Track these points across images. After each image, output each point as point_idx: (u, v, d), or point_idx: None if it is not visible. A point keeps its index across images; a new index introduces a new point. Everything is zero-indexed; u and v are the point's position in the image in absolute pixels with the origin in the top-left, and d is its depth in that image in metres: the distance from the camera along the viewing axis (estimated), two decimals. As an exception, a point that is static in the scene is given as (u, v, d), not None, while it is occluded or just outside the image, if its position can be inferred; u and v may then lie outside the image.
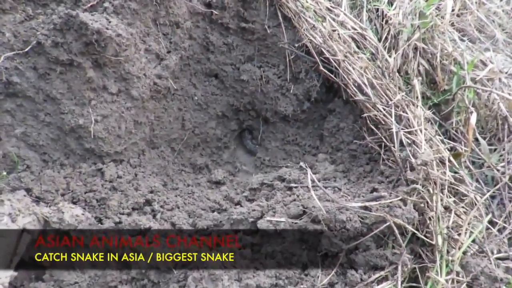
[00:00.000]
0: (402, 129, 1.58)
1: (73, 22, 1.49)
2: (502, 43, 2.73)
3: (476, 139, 1.97)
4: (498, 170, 1.87)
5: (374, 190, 1.56)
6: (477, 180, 1.84)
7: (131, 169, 1.79)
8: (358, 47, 1.96)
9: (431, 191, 1.38)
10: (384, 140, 1.66)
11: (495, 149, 2.03)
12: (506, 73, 2.13)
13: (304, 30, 1.86)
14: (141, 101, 1.78)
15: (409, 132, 1.57)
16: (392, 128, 1.56)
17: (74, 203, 1.60)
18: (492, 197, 1.88)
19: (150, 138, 1.93)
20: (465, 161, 1.82)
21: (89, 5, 1.59)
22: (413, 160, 1.41)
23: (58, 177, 1.62)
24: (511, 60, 2.75)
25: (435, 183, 1.32)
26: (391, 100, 1.69)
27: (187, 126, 2.04)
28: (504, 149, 2.02)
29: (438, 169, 1.43)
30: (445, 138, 1.99)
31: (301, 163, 1.63)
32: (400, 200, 1.37)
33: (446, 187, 1.41)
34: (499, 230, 1.64)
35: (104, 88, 1.67)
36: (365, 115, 1.70)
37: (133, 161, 1.82)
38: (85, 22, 1.48)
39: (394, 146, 1.53)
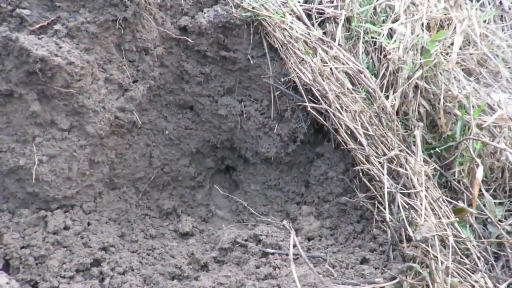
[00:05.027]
0: (400, 189, 1.35)
1: (12, 47, 1.25)
2: (506, 80, 2.54)
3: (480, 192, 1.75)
4: (504, 229, 1.65)
5: (365, 260, 1.32)
6: (479, 237, 1.62)
7: (84, 216, 1.53)
8: (353, 83, 1.74)
9: (433, 270, 1.15)
10: (378, 198, 1.42)
11: (500, 203, 1.81)
12: (515, 120, 1.91)
13: (291, 64, 1.63)
14: (99, 138, 1.53)
15: (408, 194, 1.34)
16: (387, 187, 1.33)
17: (7, 261, 1.34)
18: (496, 257, 1.65)
19: (110, 178, 1.67)
20: (470, 223, 1.60)
21: (37, 26, 1.34)
22: (410, 232, 1.18)
23: (-10, 228, 1.35)
24: (516, 99, 2.55)
25: (436, 270, 1.09)
26: (388, 151, 1.46)
27: (155, 164, 1.79)
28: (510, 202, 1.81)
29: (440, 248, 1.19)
30: (446, 190, 1.77)
31: (285, 222, 1.38)
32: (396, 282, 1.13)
33: (450, 269, 1.17)
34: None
35: (53, 124, 1.42)
36: (357, 168, 1.46)
37: (86, 206, 1.56)
38: (27, 48, 1.23)
39: (389, 209, 1.29)
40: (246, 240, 1.45)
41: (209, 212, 1.90)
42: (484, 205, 1.69)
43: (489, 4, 2.77)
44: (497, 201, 1.79)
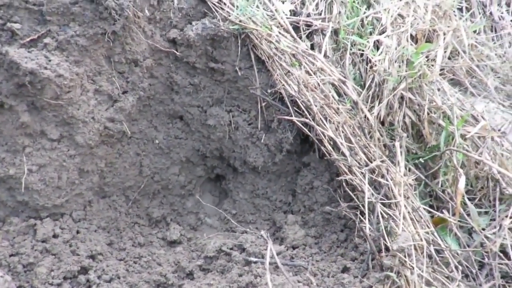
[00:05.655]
0: (381, 199, 1.38)
1: (2, 60, 1.29)
2: (495, 90, 2.58)
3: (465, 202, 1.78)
4: (487, 238, 1.68)
5: (346, 269, 1.35)
6: (464, 247, 1.64)
7: (73, 225, 1.57)
8: (339, 94, 1.77)
9: (408, 280, 1.18)
10: (360, 207, 1.45)
11: (485, 212, 1.84)
12: (499, 131, 1.95)
13: (277, 75, 1.67)
14: (88, 148, 1.56)
15: (389, 204, 1.37)
16: (368, 197, 1.36)
17: (-5, 268, 1.37)
18: (481, 265, 1.68)
19: (100, 186, 1.70)
20: (452, 231, 1.63)
21: (28, 39, 1.38)
22: (388, 242, 1.21)
23: (-21, 236, 1.39)
24: (503, 108, 2.59)
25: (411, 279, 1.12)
26: (371, 161, 1.49)
27: (145, 172, 1.82)
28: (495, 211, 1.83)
29: (417, 256, 1.22)
30: (431, 199, 1.80)
31: (262, 232, 1.42)
32: (373, 290, 1.16)
33: (424, 278, 1.20)
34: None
35: (43, 134, 1.46)
36: (339, 178, 1.50)
37: (76, 215, 1.60)
38: (16, 62, 1.27)
39: (369, 219, 1.32)
40: (231, 249, 1.48)
41: (198, 220, 1.93)
42: (469, 214, 1.72)
43: (479, 14, 2.81)
44: (482, 210, 1.82)
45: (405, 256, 1.19)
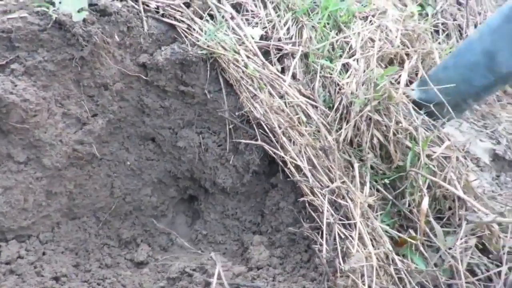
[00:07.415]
0: (340, 219, 1.41)
1: (-33, 86, 1.33)
2: (469, 110, 2.64)
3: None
4: (453, 257, 1.70)
5: (305, 290, 1.37)
6: (432, 267, 1.66)
7: (39, 246, 1.58)
8: (308, 116, 1.81)
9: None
10: (322, 227, 1.48)
11: (454, 231, 1.86)
12: (463, 150, 1.99)
13: (244, 98, 1.71)
14: (56, 170, 1.59)
15: (348, 225, 1.40)
16: (327, 218, 1.39)
17: (-43, 291, 1.38)
18: (449, 285, 1.69)
19: (69, 208, 1.72)
20: (418, 249, 1.65)
21: (-5, 65, 1.42)
22: (341, 262, 1.23)
23: None
24: (477, 129, 2.64)
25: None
26: (332, 183, 1.52)
27: (116, 194, 1.84)
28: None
29: (372, 277, 1.24)
30: (400, 219, 1.83)
31: (212, 254, 1.44)
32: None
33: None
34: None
35: (9, 157, 1.48)
36: (302, 199, 1.52)
37: (43, 236, 1.61)
38: (-19, 87, 1.31)
39: (326, 240, 1.35)
40: (194, 270, 1.50)
41: (170, 241, 1.94)
42: (435, 235, 1.74)
43: (455, 36, 2.90)
44: (451, 229, 1.84)
45: (357, 278, 1.21)
